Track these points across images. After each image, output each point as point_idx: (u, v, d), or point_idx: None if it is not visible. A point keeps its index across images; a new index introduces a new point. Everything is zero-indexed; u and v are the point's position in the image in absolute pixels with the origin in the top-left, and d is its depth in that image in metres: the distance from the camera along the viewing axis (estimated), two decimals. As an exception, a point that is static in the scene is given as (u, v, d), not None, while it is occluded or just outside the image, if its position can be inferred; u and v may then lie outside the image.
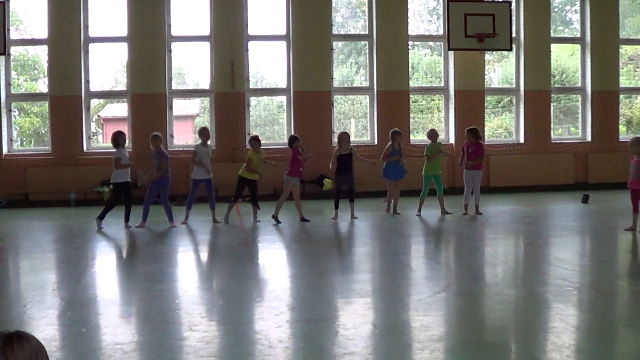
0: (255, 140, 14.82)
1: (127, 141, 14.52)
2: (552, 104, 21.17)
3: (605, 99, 21.01)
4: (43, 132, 20.48)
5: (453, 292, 8.14)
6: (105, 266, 10.67)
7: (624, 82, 22.07)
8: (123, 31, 19.16)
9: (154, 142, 14.17)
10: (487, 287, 8.54)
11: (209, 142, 15.22)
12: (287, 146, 15.38)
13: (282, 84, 20.32)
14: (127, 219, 14.00)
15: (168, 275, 9.62)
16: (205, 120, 21.87)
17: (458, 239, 12.70)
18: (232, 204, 14.68)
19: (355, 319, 6.87)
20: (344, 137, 15.00)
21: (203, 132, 14.97)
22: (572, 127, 22.38)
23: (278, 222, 14.23)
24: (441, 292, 8.07)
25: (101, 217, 13.91)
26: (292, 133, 18.80)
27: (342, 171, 14.88)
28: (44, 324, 6.80)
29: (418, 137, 21.09)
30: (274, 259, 11.20)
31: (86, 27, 19.07)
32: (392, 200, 15.72)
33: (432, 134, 15.62)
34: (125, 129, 19.28)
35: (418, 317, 6.89)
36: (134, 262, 11.02)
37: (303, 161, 14.63)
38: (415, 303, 7.56)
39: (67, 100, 18.83)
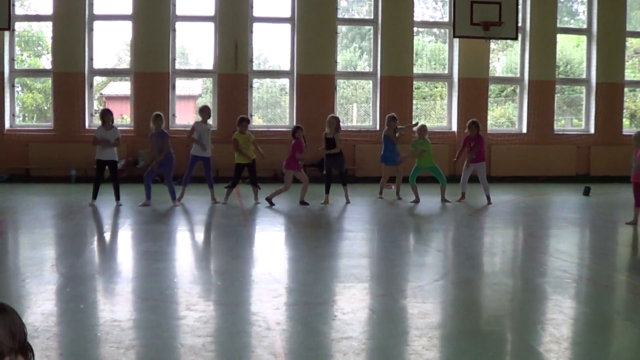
0: (243, 120, 14.78)
1: (113, 120, 14.44)
2: (556, 94, 21.13)
3: (610, 92, 20.95)
4: (45, 108, 20.43)
5: (451, 280, 8.13)
6: (104, 243, 10.67)
7: (629, 75, 22.00)
8: (128, 9, 19.08)
9: (156, 121, 14.14)
10: (486, 276, 8.53)
11: (209, 121, 15.18)
12: (288, 129, 15.32)
13: (286, 66, 20.27)
14: (117, 197, 13.99)
15: (167, 254, 9.62)
16: (207, 101, 21.81)
17: (457, 227, 12.69)
18: (229, 190, 14.69)
19: (353, 303, 6.87)
20: (331, 121, 14.85)
21: (203, 110, 14.94)
22: (575, 118, 22.33)
23: (271, 204, 14.22)
24: (440, 279, 8.07)
25: (94, 197, 13.96)
26: (295, 118, 18.81)
27: (331, 155, 14.80)
28: (42, 299, 6.79)
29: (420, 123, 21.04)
30: (272, 241, 11.19)
31: (91, 4, 18.99)
32: (391, 186, 15.76)
33: (421, 130, 15.37)
34: (127, 107, 19.29)
35: (416, 304, 6.87)
36: (133, 240, 11.01)
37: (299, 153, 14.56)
38: (414, 290, 7.55)
39: (70, 77, 18.78)
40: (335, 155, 14.73)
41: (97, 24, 19.23)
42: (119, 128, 14.68)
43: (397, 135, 15.52)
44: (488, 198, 15.09)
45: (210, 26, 19.57)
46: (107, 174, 14.15)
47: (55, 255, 9.54)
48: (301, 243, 10.82)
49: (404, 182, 15.54)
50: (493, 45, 21.53)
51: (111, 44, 22.89)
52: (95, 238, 11.19)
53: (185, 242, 11.04)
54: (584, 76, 21.50)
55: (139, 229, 11.71)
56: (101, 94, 23.35)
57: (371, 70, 20.42)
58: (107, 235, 11.42)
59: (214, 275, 8.38)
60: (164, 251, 9.79)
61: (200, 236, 11.72)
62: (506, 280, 8.25)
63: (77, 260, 8.92)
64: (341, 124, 15.35)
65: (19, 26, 19.68)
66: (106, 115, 14.26)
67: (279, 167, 15.90)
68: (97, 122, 16.12)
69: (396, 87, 19.89)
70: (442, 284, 7.88)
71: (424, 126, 15.59)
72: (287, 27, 19.88)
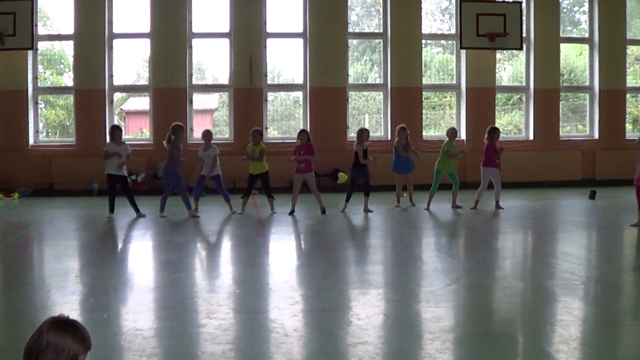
0: (255, 132, 14.84)
1: (122, 136, 14.44)
2: (560, 102, 21.03)
3: (612, 98, 20.84)
4: (68, 124, 20.50)
5: (463, 284, 8.08)
6: (126, 254, 10.70)
7: (630, 81, 21.85)
8: (146, 28, 19.16)
9: (178, 132, 14.19)
10: (497, 280, 8.49)
11: (213, 144, 15.01)
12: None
13: (299, 80, 20.27)
14: (136, 210, 14.03)
15: (186, 264, 9.63)
16: (224, 114, 21.84)
17: (469, 233, 12.65)
18: (245, 200, 14.72)
19: (368, 309, 6.84)
20: (365, 133, 14.92)
21: (204, 136, 14.87)
22: (580, 124, 22.22)
23: (291, 213, 14.32)
24: (452, 284, 8.02)
25: (111, 210, 13.98)
26: (309, 129, 18.74)
27: (359, 165, 14.81)
28: (67, 309, 6.79)
29: (430, 132, 21.01)
30: (289, 250, 11.18)
31: (110, 23, 19.08)
32: (404, 194, 15.78)
33: (453, 133, 15.48)
34: (147, 121, 19.34)
35: (429, 309, 6.85)
36: (153, 250, 11.01)
37: (298, 156, 14.58)
38: (427, 295, 7.53)
39: (91, 93, 18.86)
40: (362, 166, 14.78)
41: (116, 42, 19.31)
42: (139, 142, 14.69)
43: (410, 148, 15.59)
44: (497, 203, 15.04)
45: (225, 42, 19.61)
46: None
47: (79, 266, 9.55)
48: (316, 251, 10.80)
49: (425, 189, 15.54)
50: (499, 55, 21.47)
51: (130, 61, 22.96)
52: (117, 249, 11.21)
53: (204, 252, 11.03)
54: (587, 84, 21.38)
55: (159, 240, 11.71)
56: (121, 109, 23.41)
57: (382, 81, 20.40)
58: (128, 247, 11.45)
59: (233, 283, 8.37)
60: (184, 261, 9.80)
61: (218, 246, 11.73)
62: (516, 283, 8.20)
63: (100, 271, 8.93)
64: (352, 134, 15.38)
65: (41, 45, 19.79)
66: (115, 131, 14.29)
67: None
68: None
69: (406, 97, 19.87)
70: (454, 288, 7.84)
71: (454, 129, 15.69)
72: (300, 41, 19.90)
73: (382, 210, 15.05)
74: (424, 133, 20.34)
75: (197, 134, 19.53)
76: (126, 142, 14.44)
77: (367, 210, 14.68)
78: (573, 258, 9.49)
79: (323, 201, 14.54)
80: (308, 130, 18.99)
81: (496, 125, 20.09)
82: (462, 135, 20.21)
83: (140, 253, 10.89)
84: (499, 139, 15.57)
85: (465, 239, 12.23)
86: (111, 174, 14.01)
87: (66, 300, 7.23)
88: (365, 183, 14.89)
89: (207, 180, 14.58)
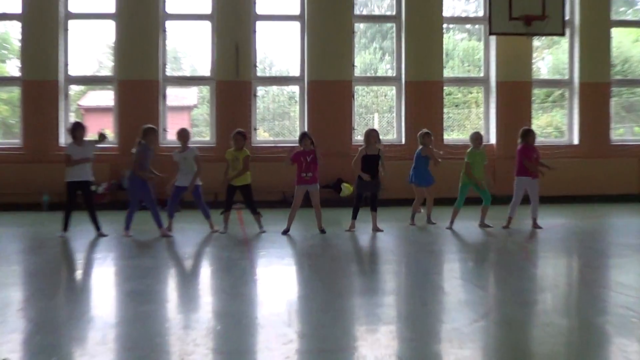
0: (237, 135, 14.83)
1: (85, 135, 14.36)
2: (612, 98, 21.04)
3: (677, 94, 20.89)
4: (12, 122, 20.48)
5: (493, 320, 8.00)
6: (82, 282, 10.61)
7: (698, 74, 21.92)
8: (110, 7, 19.16)
9: (149, 136, 14.17)
10: (535, 316, 8.40)
11: (191, 146, 15.00)
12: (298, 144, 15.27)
13: (295, 71, 20.30)
14: (96, 227, 13.99)
15: (156, 294, 9.55)
16: (204, 112, 21.83)
17: (500, 257, 12.58)
18: (226, 215, 14.71)
19: (377, 350, 6.76)
20: (372, 134, 14.86)
21: (180, 135, 14.90)
22: (636, 126, 22.22)
23: (285, 232, 14.35)
24: (479, 320, 7.94)
25: (65, 228, 13.93)
26: (305, 129, 18.72)
27: (366, 174, 14.74)
28: (6, 351, 6.70)
29: (452, 135, 21.00)
30: (281, 277, 11.10)
31: (66, 0, 19.05)
32: (421, 210, 15.74)
33: (477, 138, 15.34)
34: (110, 120, 19.29)
35: (452, 350, 6.77)
36: (116, 277, 10.93)
37: (304, 165, 14.53)
38: (449, 332, 7.44)
39: (42, 85, 18.87)
40: (374, 175, 14.72)
41: (73, 24, 19.30)
42: (101, 145, 14.61)
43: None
44: (534, 221, 14.98)
45: (206, 25, 19.63)
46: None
47: (23, 297, 9.45)
48: (315, 278, 10.72)
49: (447, 203, 15.49)
50: (536, 42, 21.48)
51: (90, 47, 22.95)
52: (72, 276, 11.13)
53: (178, 279, 10.96)
54: (644, 76, 21.45)
55: (124, 265, 11.64)
56: (79, 105, 23.39)
57: (394, 74, 20.43)
58: (86, 273, 11.36)
59: (213, 317, 8.29)
60: (153, 291, 9.72)
61: (195, 272, 11.64)
62: (559, 320, 8.12)
63: (50, 303, 8.85)
64: (359, 137, 15.32)
65: (-19, 28, 19.83)
66: (78, 129, 14.22)
67: (289, 190, 15.84)
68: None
69: (424, 93, 19.89)
70: (483, 325, 7.76)
71: (479, 134, 15.54)
72: (296, 25, 19.92)
73: (394, 229, 15.01)
74: (445, 136, 20.35)
75: (171, 136, 19.46)
76: (89, 140, 14.39)
77: (376, 229, 14.63)
78: (629, 290, 9.40)
79: (323, 219, 14.53)
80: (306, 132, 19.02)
81: (532, 127, 20.16)
82: (492, 138, 20.20)
83: (101, 281, 10.81)
84: (535, 144, 15.48)
85: (496, 264, 12.15)
86: (75, 181, 13.97)
87: (5, 339, 7.13)
88: (373, 195, 14.83)
89: (188, 191, 14.51)
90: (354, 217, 14.83)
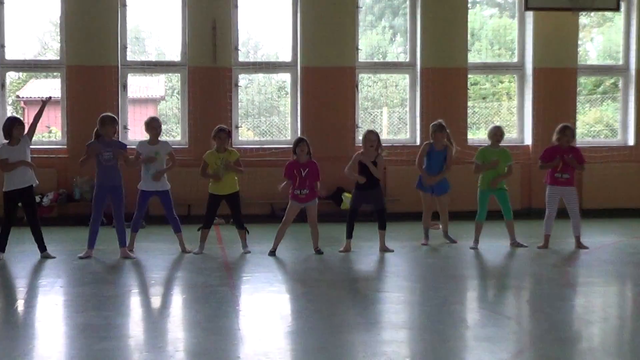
0: (222, 132, 14.78)
1: (23, 133, 14.34)
2: (677, 90, 21.08)
3: None
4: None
5: (529, 359, 8.08)
6: (24, 315, 10.64)
7: None
8: (56, -25, 19.25)
9: (110, 126, 14.18)
10: (579, 354, 8.48)
11: (162, 138, 15.08)
12: (289, 146, 15.35)
13: (286, 56, 20.34)
14: (41, 247, 14.07)
15: (116, 329, 9.59)
16: (174, 106, 21.89)
17: (535, 284, 12.65)
18: (204, 233, 14.75)
19: (386, 396, 6.84)
20: (370, 137, 14.89)
21: (150, 125, 14.88)
22: None
23: (271, 253, 14.46)
24: (511, 359, 8.02)
25: (1, 249, 13.97)
26: (299, 129, 18.83)
27: (364, 184, 14.79)
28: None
29: (478, 135, 21.05)
30: (269, 307, 11.16)
31: (0, -33, 19.16)
32: (439, 226, 15.79)
33: (495, 133, 15.38)
34: (57, 115, 19.33)
35: (478, 396, 6.85)
36: (67, 309, 10.98)
37: (298, 180, 14.52)
38: (474, 375, 7.53)
39: (-28, 73, 18.92)
40: (373, 185, 14.78)
41: (10, -3, 19.38)
42: (46, 146, 14.66)
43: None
44: (578, 240, 15.05)
45: (176, -1, 19.68)
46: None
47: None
48: (310, 309, 10.78)
49: (470, 217, 15.55)
50: (584, 19, 21.57)
51: (32, 25, 22.99)
52: (12, 308, 11.17)
53: (143, 311, 11.01)
54: None
55: (76, 293, 11.68)
56: (18, 96, 23.41)
57: (407, 59, 20.49)
58: (29, 303, 11.40)
59: (186, 357, 8.36)
60: (113, 324, 9.76)
61: (165, 301, 11.69)
62: (609, 359, 8.21)
63: (-12, 339, 8.90)
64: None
65: None
66: (14, 127, 14.12)
67: (278, 202, 15.91)
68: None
69: (444, 82, 19.93)
70: (515, 366, 7.85)
71: (498, 128, 15.57)
72: (287, 0, 19.99)
73: (405, 250, 15.08)
74: (470, 135, 20.40)
75: (134, 135, 19.48)
76: (27, 139, 14.30)
77: (384, 250, 14.70)
78: (692, 322, 9.49)
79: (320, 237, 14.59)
80: (298, 130, 19.08)
81: (577, 123, 20.20)
82: (527, 139, 20.29)
83: (47, 313, 10.85)
84: (573, 143, 15.46)
85: (531, 292, 12.22)
86: (13, 190, 14.00)
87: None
88: (380, 211, 14.89)
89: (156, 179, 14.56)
90: (349, 235, 14.90)
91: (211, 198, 14.70)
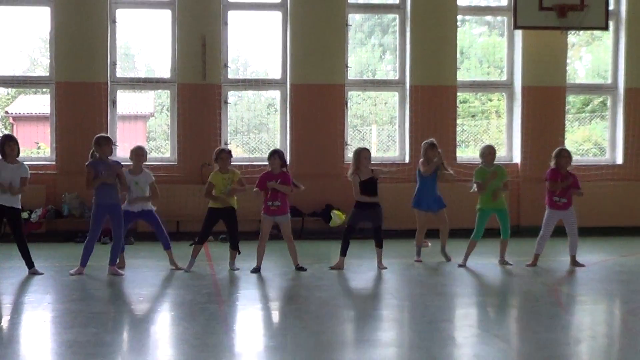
0: (225, 153, 14.83)
1: (19, 152, 14.26)
2: (666, 108, 21.12)
3: None
4: None
5: (517, 378, 8.09)
6: (9, 332, 10.61)
7: None
8: (46, -9, 19.25)
9: (106, 147, 14.16)
10: (567, 373, 8.48)
11: (147, 170, 15.03)
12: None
13: (275, 73, 20.37)
14: (28, 264, 14.03)
15: (105, 346, 9.56)
16: (163, 123, 21.88)
17: (525, 302, 12.65)
18: (196, 248, 14.71)
19: (374, 414, 6.83)
20: (363, 154, 14.88)
21: (136, 152, 14.94)
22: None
23: (255, 270, 14.45)
24: (500, 378, 8.03)
25: None
26: (288, 146, 18.82)
27: (367, 202, 14.80)
28: None
29: (467, 153, 21.07)
30: (257, 325, 11.15)
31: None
32: (428, 243, 15.79)
33: (486, 152, 15.41)
34: (45, 132, 19.31)
35: (466, 414, 6.84)
36: (54, 325, 10.95)
37: (270, 191, 14.53)
38: (463, 393, 7.52)
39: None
40: (372, 204, 14.78)
41: (-1, 12, 19.37)
42: (35, 162, 14.60)
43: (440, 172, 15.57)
44: (573, 259, 15.10)
45: (166, 15, 19.67)
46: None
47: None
48: (299, 326, 10.77)
49: (462, 236, 15.54)
50: (573, 38, 21.62)
51: (21, 41, 23.00)
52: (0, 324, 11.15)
53: (131, 328, 10.98)
54: None
55: (63, 310, 11.64)
56: (6, 112, 23.41)
57: (397, 77, 20.51)
58: (15, 320, 11.36)
59: (173, 374, 8.35)
60: (100, 342, 9.73)
61: (152, 318, 11.67)
62: (597, 379, 8.21)
63: (-26, 356, 8.87)
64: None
65: None
66: (7, 144, 14.07)
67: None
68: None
69: (433, 100, 19.96)
70: (504, 384, 7.85)
71: (490, 147, 15.60)
72: (277, 16, 20.00)
73: (396, 267, 15.07)
74: (459, 153, 20.41)
75: (122, 152, 19.43)
76: (22, 162, 14.33)
77: (382, 267, 14.72)
78: (681, 341, 9.50)
79: (309, 254, 14.57)
80: (288, 147, 19.06)
81: (566, 141, 20.23)
82: (516, 157, 20.30)
83: (34, 330, 10.81)
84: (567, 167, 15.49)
85: (520, 310, 12.22)
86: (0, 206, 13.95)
87: None
88: (377, 228, 14.91)
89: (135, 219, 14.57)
90: (343, 253, 14.90)
91: (210, 213, 14.67)
